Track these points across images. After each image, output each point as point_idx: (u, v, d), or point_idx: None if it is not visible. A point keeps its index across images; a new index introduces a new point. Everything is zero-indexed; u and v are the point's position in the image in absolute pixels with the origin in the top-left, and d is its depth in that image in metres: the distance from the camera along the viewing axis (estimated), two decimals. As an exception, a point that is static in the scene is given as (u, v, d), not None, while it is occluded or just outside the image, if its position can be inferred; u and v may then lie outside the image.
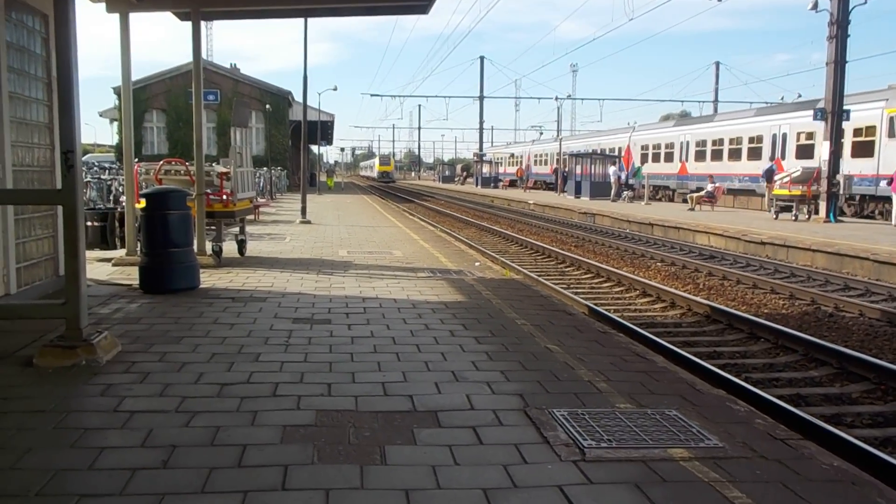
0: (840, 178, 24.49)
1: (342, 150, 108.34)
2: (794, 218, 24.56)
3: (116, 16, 10.72)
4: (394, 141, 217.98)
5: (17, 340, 6.14)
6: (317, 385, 5.11)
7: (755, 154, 33.14)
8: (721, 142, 36.29)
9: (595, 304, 11.00)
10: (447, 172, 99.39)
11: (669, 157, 41.56)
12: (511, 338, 6.71)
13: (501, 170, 74.95)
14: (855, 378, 7.57)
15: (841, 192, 25.00)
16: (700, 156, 38.08)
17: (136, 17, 11.05)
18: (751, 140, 33.67)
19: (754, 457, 4.02)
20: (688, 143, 39.40)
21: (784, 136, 31.16)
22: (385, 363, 5.73)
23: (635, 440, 4.19)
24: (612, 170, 40.78)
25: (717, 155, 36.52)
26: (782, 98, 53.00)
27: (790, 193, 25.10)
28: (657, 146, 43.49)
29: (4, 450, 3.90)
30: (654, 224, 24.42)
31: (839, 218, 24.26)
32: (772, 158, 31.08)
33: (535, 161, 65.98)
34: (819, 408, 6.70)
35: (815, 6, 23.64)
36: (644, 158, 44.65)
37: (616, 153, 46.45)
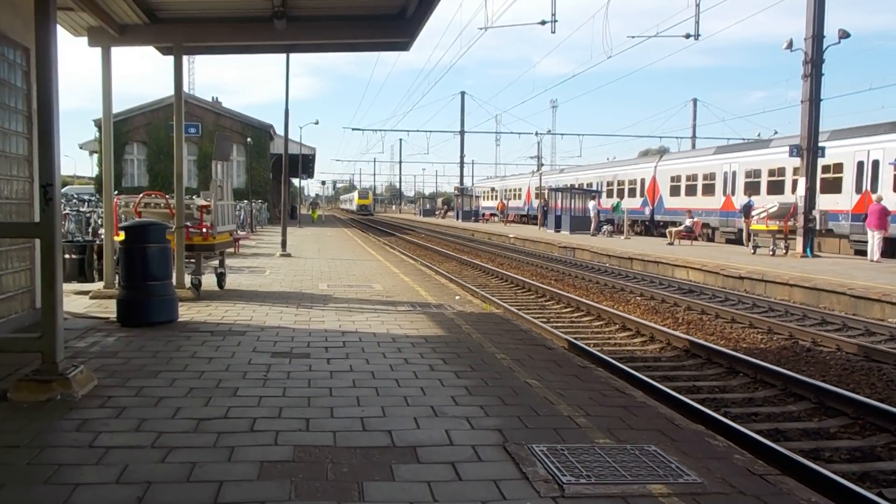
0: (816, 213, 24.73)
1: (323, 183, 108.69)
2: (771, 253, 24.78)
3: (98, 49, 10.77)
4: (375, 174, 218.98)
5: (-9, 374, 6.06)
6: (295, 420, 5.08)
7: (833, 186, 27.11)
8: (782, 171, 30.13)
9: (575, 339, 11.01)
10: (428, 206, 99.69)
11: (709, 190, 35.81)
12: (491, 372, 6.70)
13: (494, 203, 70.97)
14: (833, 413, 7.60)
15: (817, 227, 25.08)
16: (752, 188, 31.80)
17: (118, 51, 11.07)
18: (826, 169, 27.14)
19: (733, 493, 4.02)
20: (734, 173, 33.94)
21: (875, 164, 25.76)
22: (364, 398, 5.70)
23: (614, 476, 4.19)
24: (591, 204, 40.95)
25: (775, 187, 30.46)
26: (759, 135, 53.20)
27: (767, 228, 25.34)
28: (692, 177, 37.58)
29: (-24, 486, 3.84)
30: (634, 258, 24.55)
31: (816, 253, 24.49)
32: (858, 191, 26.42)
33: (538, 194, 57.33)
34: (797, 443, 6.71)
35: (789, 46, 24.07)
36: (674, 191, 39.11)
37: (638, 186, 43.02)
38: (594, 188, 46.17)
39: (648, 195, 41.09)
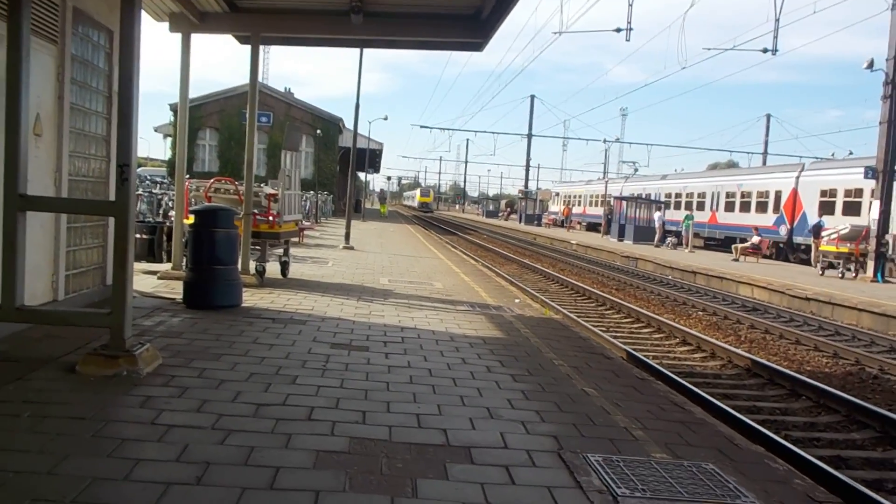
0: (889, 237, 23.99)
1: (388, 178, 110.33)
2: (840, 275, 24.13)
3: (178, 35, 10.99)
4: (440, 173, 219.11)
5: (62, 346, 6.24)
6: (352, 412, 5.11)
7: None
8: None
9: (634, 350, 10.89)
10: (491, 207, 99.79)
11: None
12: (548, 378, 6.66)
13: (577, 210, 65.41)
14: (898, 444, 7.37)
15: (890, 252, 24.29)
16: None
17: (196, 38, 11.29)
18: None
19: (792, 518, 3.92)
20: None
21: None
22: (420, 395, 5.71)
23: (670, 492, 4.12)
24: (657, 215, 40.42)
25: None
26: (833, 154, 51.44)
27: (838, 250, 24.67)
28: (854, 192, 29.52)
29: (43, 454, 3.96)
30: (698, 272, 24.14)
31: (887, 278, 23.77)
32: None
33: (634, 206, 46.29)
34: (860, 471, 6.53)
35: (870, 66, 23.41)
36: (826, 208, 30.58)
37: (770, 199, 35.34)
38: (707, 198, 42.11)
39: (786, 211, 33.58)
